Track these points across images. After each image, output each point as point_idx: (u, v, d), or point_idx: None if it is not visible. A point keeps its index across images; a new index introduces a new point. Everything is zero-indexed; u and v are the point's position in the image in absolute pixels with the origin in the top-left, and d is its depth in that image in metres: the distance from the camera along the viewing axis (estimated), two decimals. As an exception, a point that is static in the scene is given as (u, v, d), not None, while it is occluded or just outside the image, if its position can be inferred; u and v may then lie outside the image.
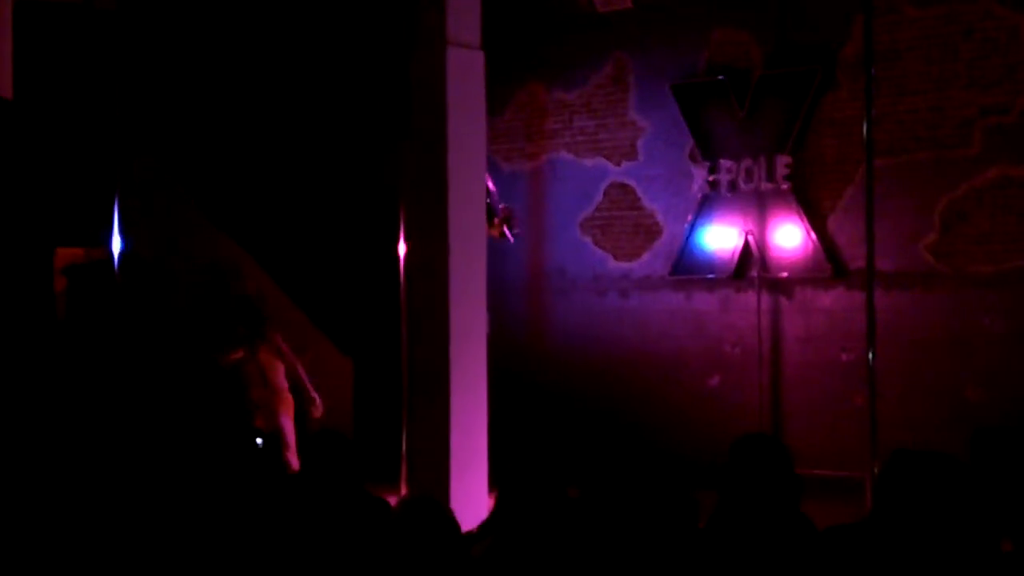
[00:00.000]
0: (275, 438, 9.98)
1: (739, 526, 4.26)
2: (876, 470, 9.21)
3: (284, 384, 10.44)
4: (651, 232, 13.08)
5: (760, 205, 12.26)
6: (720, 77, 12.46)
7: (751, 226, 12.29)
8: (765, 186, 12.20)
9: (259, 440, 9.05)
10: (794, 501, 4.76)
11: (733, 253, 12.40)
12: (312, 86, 14.87)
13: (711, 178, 12.52)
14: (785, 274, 12.17)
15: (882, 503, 4.03)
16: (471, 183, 8.65)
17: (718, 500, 4.40)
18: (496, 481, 8.57)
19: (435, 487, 8.41)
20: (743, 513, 4.29)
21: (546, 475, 4.77)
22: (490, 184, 10.05)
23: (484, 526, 4.91)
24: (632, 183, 13.24)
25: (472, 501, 8.20)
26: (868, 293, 9.27)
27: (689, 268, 12.71)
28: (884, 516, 4.00)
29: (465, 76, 8.61)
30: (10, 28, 11.08)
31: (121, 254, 13.56)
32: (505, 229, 10.69)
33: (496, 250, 10.91)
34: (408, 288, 9.12)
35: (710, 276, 12.58)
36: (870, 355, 9.00)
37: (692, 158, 12.69)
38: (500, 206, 10.66)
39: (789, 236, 12.12)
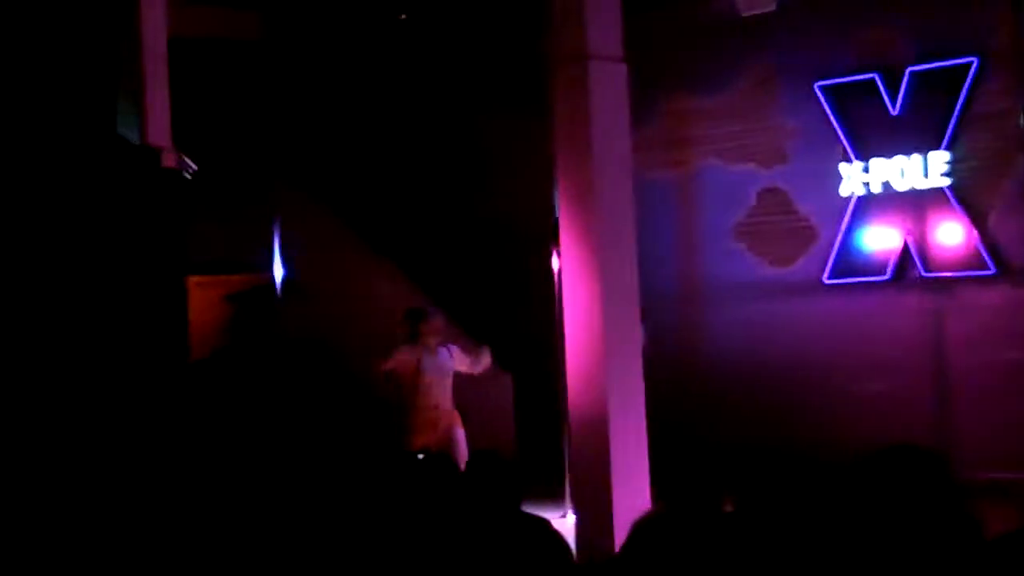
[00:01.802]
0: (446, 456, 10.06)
1: (893, 535, 4.15)
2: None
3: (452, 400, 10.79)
4: (805, 236, 12.89)
5: (917, 204, 12.01)
6: (870, 75, 12.24)
7: (908, 226, 12.05)
8: (921, 184, 11.95)
9: (420, 456, 9.13)
10: (956, 506, 4.63)
11: (891, 254, 12.16)
12: (456, 105, 15.03)
13: (865, 178, 12.30)
14: (947, 274, 11.89)
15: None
16: (618, 194, 8.63)
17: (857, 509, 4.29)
18: (657, 494, 8.54)
19: (597, 500, 8.41)
20: (894, 523, 4.18)
21: (702, 490, 4.73)
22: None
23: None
24: (783, 187, 13.08)
25: (636, 514, 8.16)
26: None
27: (846, 271, 12.50)
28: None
29: (608, 89, 8.60)
30: (166, 77, 11.39)
31: (283, 280, 13.88)
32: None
33: (648, 260, 10.86)
34: (563, 301, 9.14)
35: (868, 279, 12.35)
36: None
37: (844, 158, 12.49)
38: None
39: (949, 235, 11.84)
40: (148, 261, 6.22)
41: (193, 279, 13.52)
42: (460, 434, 10.69)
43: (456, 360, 10.80)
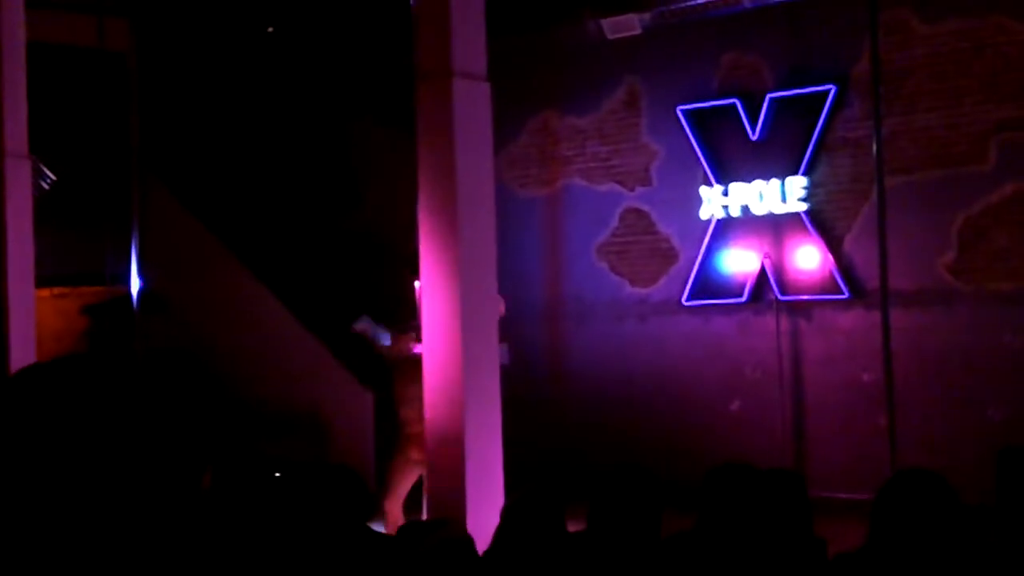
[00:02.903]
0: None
1: (732, 551, 4.21)
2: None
3: None
4: (667, 257, 13.05)
5: (775, 227, 12.22)
6: (731, 100, 12.44)
7: (767, 249, 12.25)
8: (779, 208, 12.16)
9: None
10: (805, 526, 4.71)
11: (749, 276, 12.35)
12: (329, 118, 14.95)
13: (724, 202, 12.48)
14: (803, 296, 12.12)
15: (880, 526, 3.98)
16: (479, 212, 8.63)
17: (697, 525, 4.35)
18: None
19: (452, 514, 8.38)
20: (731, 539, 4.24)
21: (544, 507, 4.75)
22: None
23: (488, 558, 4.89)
24: (647, 208, 13.22)
25: (489, 531, 8.17)
26: (883, 313, 9.22)
27: (705, 292, 12.67)
28: (883, 539, 3.96)
29: (472, 106, 8.60)
30: (24, 91, 11.14)
31: (140, 291, 13.66)
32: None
33: (513, 277, 10.91)
34: (424, 320, 9.11)
35: (726, 300, 12.53)
36: (887, 375, 8.93)
37: (705, 182, 12.66)
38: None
39: (805, 258, 12.07)
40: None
41: (50, 291, 13.30)
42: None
43: None
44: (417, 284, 9.93)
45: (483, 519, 8.33)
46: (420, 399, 9.52)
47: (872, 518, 3.91)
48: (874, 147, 8.50)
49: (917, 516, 3.77)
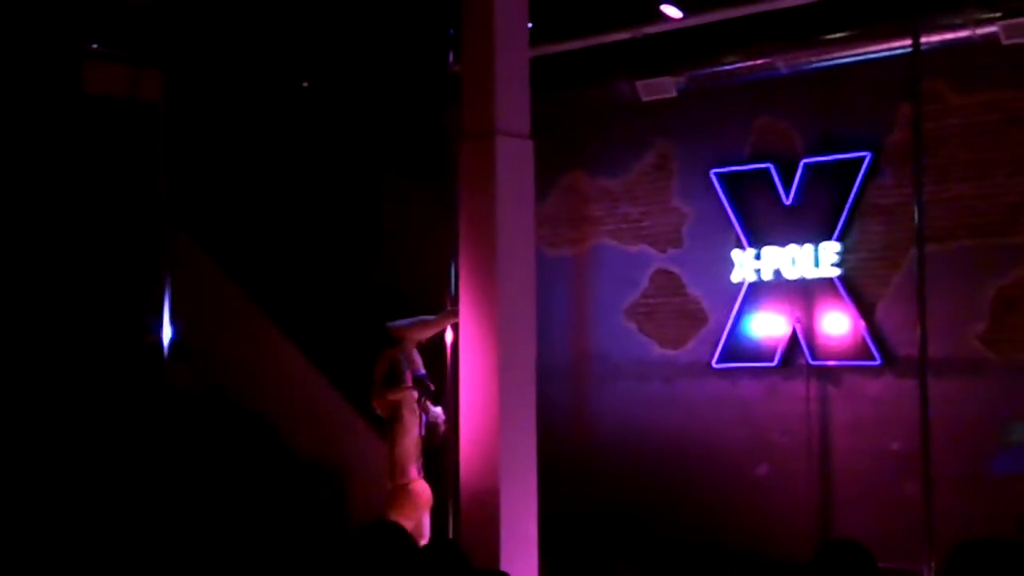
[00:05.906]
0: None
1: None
2: (933, 563, 9.07)
3: None
4: (696, 319, 13.05)
5: (806, 293, 12.22)
6: (765, 164, 12.48)
7: (798, 313, 12.25)
8: (811, 273, 12.16)
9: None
10: None
11: (780, 341, 12.34)
12: (348, 172, 15.02)
13: (756, 265, 12.49)
14: (833, 362, 12.09)
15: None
16: (520, 269, 8.66)
17: None
18: (545, 566, 8.51)
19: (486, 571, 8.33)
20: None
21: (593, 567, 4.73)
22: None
23: None
24: (677, 270, 13.24)
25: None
26: (921, 382, 9.17)
27: (735, 356, 12.65)
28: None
29: (514, 164, 8.65)
30: None
31: (171, 342, 13.67)
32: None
33: (541, 335, 10.87)
34: (456, 373, 9.10)
35: (757, 364, 12.51)
36: (924, 444, 8.87)
37: (737, 245, 12.68)
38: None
39: (836, 324, 12.06)
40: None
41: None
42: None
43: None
44: (449, 337, 9.97)
45: (517, 570, 8.29)
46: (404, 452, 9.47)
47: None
48: (915, 214, 8.48)
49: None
